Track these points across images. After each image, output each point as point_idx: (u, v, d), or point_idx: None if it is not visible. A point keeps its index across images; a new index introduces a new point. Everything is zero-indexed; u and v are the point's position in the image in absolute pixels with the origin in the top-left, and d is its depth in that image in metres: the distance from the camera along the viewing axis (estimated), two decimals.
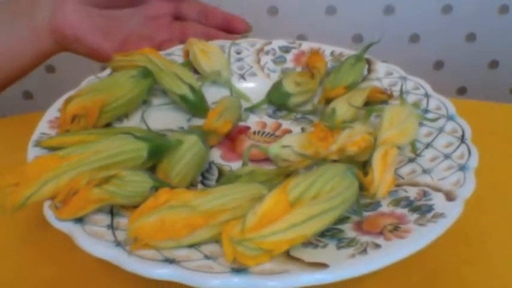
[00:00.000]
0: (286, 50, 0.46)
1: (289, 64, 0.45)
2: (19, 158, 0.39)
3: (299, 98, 0.41)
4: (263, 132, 0.39)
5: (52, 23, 0.45)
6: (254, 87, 0.43)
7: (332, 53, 0.45)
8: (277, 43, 0.47)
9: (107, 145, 0.30)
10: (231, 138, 0.38)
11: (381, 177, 0.30)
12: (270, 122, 0.41)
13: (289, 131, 0.39)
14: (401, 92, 0.36)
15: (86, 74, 0.41)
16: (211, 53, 0.42)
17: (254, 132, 0.39)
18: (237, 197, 0.28)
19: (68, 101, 0.34)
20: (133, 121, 0.38)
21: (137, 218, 0.26)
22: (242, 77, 0.44)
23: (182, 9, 0.51)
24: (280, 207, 0.26)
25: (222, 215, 0.27)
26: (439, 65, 0.86)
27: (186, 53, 0.43)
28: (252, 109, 0.41)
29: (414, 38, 0.84)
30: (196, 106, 0.40)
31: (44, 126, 0.34)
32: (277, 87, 0.41)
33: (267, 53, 0.46)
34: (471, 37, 0.84)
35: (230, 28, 0.50)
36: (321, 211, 0.26)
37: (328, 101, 0.40)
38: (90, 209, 0.27)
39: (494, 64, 0.87)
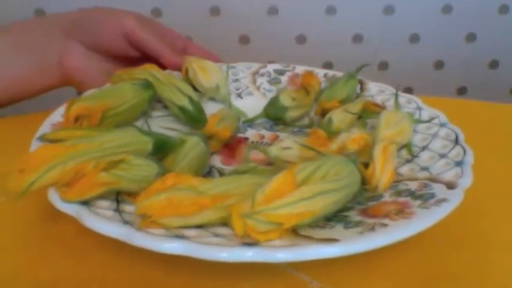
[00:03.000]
0: (280, 72, 0.48)
1: (284, 85, 0.47)
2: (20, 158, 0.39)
3: (295, 112, 0.42)
4: (261, 143, 0.40)
5: (60, 65, 0.47)
6: (251, 105, 0.44)
7: (325, 75, 0.47)
8: (271, 66, 0.48)
9: (113, 137, 0.31)
10: (230, 147, 0.39)
11: (382, 169, 0.30)
12: (268, 134, 0.41)
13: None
14: (396, 97, 0.38)
15: None
16: (210, 70, 0.43)
17: (252, 143, 0.40)
18: (244, 183, 0.28)
19: (71, 103, 0.35)
20: None
21: (145, 198, 0.26)
22: (239, 95, 0.45)
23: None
24: (287, 185, 0.26)
25: (228, 199, 0.27)
26: (439, 65, 0.87)
27: (185, 71, 0.44)
28: (250, 122, 0.42)
29: (414, 38, 0.84)
30: (195, 118, 0.40)
31: (46, 129, 0.35)
32: (274, 101, 0.42)
33: (262, 75, 0.48)
34: (471, 37, 0.84)
35: None
36: (327, 190, 0.26)
37: (323, 113, 0.41)
38: (97, 192, 0.27)
39: (494, 64, 0.88)
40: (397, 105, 0.37)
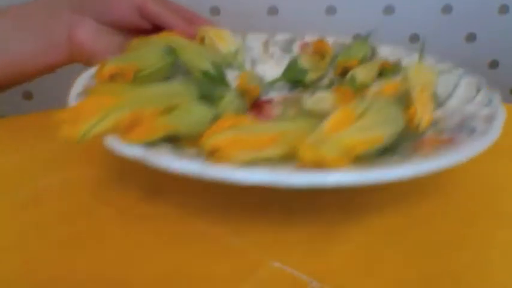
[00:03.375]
0: (291, 41, 0.49)
1: (296, 53, 0.47)
2: (20, 158, 0.38)
3: (314, 74, 0.43)
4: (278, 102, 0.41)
5: (69, 41, 0.46)
6: (266, 73, 0.45)
7: (335, 41, 0.48)
8: (281, 36, 0.49)
9: (160, 88, 0.30)
10: (258, 107, 0.39)
11: (423, 107, 0.32)
12: (289, 95, 0.42)
13: (289, 101, 0.41)
14: (421, 49, 0.39)
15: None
16: (226, 37, 0.44)
17: (277, 102, 0.41)
18: (299, 125, 0.29)
19: (103, 64, 0.35)
20: None
21: (211, 135, 0.26)
22: (253, 63, 0.46)
23: None
24: (348, 118, 0.27)
25: (290, 135, 0.27)
26: None
27: (201, 40, 0.44)
28: (270, 84, 0.43)
29: (414, 38, 0.84)
30: (218, 81, 0.41)
31: (79, 89, 0.34)
32: (292, 65, 0.43)
33: (274, 44, 0.48)
34: (471, 37, 0.85)
35: None
36: (386, 121, 0.27)
37: (343, 73, 0.42)
38: (157, 135, 0.27)
39: (494, 64, 0.88)
40: (421, 56, 0.38)
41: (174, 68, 0.41)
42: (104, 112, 0.28)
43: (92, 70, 0.36)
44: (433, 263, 0.28)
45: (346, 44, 0.46)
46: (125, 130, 0.27)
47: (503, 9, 0.83)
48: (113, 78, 0.34)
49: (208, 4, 0.74)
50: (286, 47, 0.48)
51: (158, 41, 0.41)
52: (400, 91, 0.34)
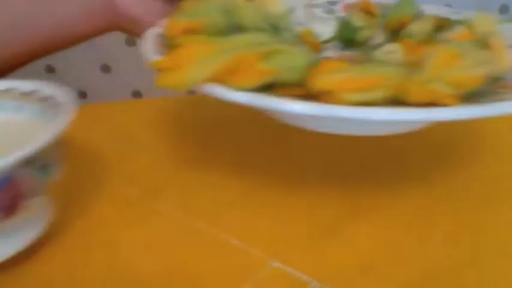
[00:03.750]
0: (332, 3, 0.49)
1: (341, 14, 0.47)
2: None
3: (367, 32, 0.43)
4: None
5: (111, 5, 0.45)
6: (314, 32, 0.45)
7: (377, 2, 0.48)
8: None
9: (248, 36, 0.30)
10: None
11: (503, 49, 0.32)
12: (347, 53, 0.42)
13: (354, 58, 0.41)
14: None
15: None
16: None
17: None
18: (399, 69, 0.28)
19: (173, 20, 0.34)
20: None
21: (321, 75, 0.26)
22: (300, 24, 0.46)
23: None
24: (451, 57, 0.27)
25: (394, 78, 0.27)
26: None
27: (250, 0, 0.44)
28: (325, 43, 0.43)
29: None
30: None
31: (151, 46, 0.33)
32: (345, 24, 0.43)
33: (316, 6, 0.48)
34: None
35: None
36: (483, 60, 0.28)
37: (395, 31, 0.42)
38: (260, 81, 0.27)
39: None
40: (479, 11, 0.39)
41: (231, 27, 0.40)
42: (204, 58, 0.27)
43: (155, 30, 0.35)
44: (434, 264, 0.29)
45: (389, 4, 0.46)
46: (229, 75, 0.27)
47: (503, 9, 0.85)
48: (185, 33, 0.34)
49: None
50: (329, 9, 0.48)
51: (212, 0, 0.40)
52: (474, 39, 0.35)
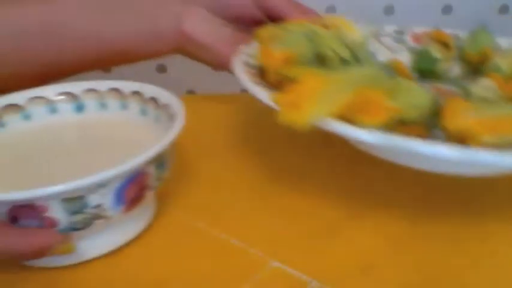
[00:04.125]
0: (400, 33, 0.48)
1: (411, 44, 0.46)
2: None
3: (445, 64, 0.42)
4: None
5: (180, 30, 0.44)
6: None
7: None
8: (388, 28, 0.48)
9: (359, 72, 0.29)
10: None
11: None
12: (427, 85, 0.41)
13: (451, 92, 0.40)
14: None
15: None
16: (353, 26, 0.42)
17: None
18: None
19: (266, 49, 0.33)
20: None
21: (457, 116, 0.25)
22: (373, 53, 0.45)
23: None
24: None
25: None
26: None
27: (325, 27, 0.43)
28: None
29: None
30: None
31: (242, 73, 0.32)
32: (424, 54, 0.42)
33: (385, 36, 0.47)
34: None
35: None
36: None
37: (478, 62, 0.41)
38: (389, 118, 0.26)
39: None
40: None
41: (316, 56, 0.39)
42: (326, 94, 0.26)
43: (241, 57, 0.34)
44: (434, 264, 0.28)
45: (461, 35, 0.45)
46: (354, 112, 0.25)
47: (503, 9, 0.85)
48: (286, 64, 0.32)
49: None
50: (398, 38, 0.47)
51: (294, 28, 0.39)
52: None
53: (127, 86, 0.35)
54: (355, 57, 0.39)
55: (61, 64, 0.43)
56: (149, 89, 0.35)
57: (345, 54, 0.39)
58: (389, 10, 0.82)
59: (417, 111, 0.27)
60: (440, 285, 0.27)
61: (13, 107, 0.34)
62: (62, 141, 0.34)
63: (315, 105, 0.25)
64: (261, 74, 0.34)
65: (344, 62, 0.39)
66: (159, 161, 0.28)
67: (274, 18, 0.45)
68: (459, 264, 0.28)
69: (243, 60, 0.35)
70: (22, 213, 0.25)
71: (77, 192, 0.25)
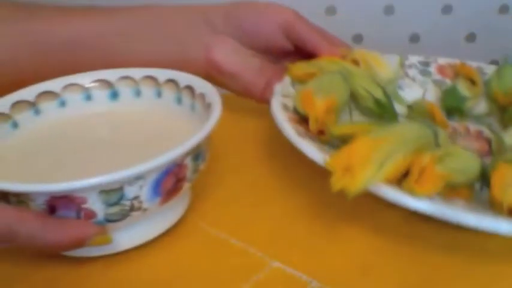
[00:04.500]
0: (425, 64, 0.48)
1: (436, 76, 0.47)
2: None
3: (472, 102, 0.43)
4: (459, 133, 0.40)
5: (209, 59, 0.44)
6: (413, 97, 0.44)
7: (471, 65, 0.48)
8: (413, 59, 0.48)
9: (403, 129, 0.29)
10: None
11: None
12: (455, 125, 0.42)
13: (480, 132, 0.41)
14: None
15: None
16: (383, 62, 0.43)
17: (450, 133, 0.40)
18: None
19: (308, 97, 0.33)
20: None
21: (502, 189, 0.25)
22: (400, 87, 0.45)
23: None
24: None
25: None
26: None
27: (355, 63, 0.43)
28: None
29: (414, 38, 0.84)
30: (388, 111, 0.40)
31: (287, 124, 0.33)
32: (451, 92, 0.43)
33: (410, 67, 0.47)
34: (471, 37, 0.85)
35: None
36: None
37: (502, 102, 0.42)
38: (440, 185, 0.26)
39: (494, 64, 0.89)
40: None
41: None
42: (377, 159, 0.26)
43: (278, 100, 0.35)
44: (434, 264, 0.29)
45: (486, 69, 0.46)
46: (407, 180, 0.26)
47: (503, 9, 0.84)
48: (327, 112, 0.33)
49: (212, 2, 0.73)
50: (424, 71, 0.47)
51: (327, 65, 0.39)
52: None
53: (162, 73, 0.35)
54: (387, 96, 0.40)
55: None
56: (185, 77, 0.34)
57: (378, 93, 0.39)
58: (389, 10, 0.82)
59: (465, 175, 0.27)
60: (440, 286, 0.27)
61: (49, 93, 0.34)
62: (96, 130, 0.34)
63: (368, 171, 0.26)
64: (301, 118, 0.34)
65: (376, 101, 0.39)
66: (196, 152, 0.28)
67: (302, 48, 0.45)
68: (459, 264, 0.28)
69: (280, 102, 0.36)
70: (60, 204, 0.25)
71: (116, 184, 0.25)
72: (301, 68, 0.40)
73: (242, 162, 0.38)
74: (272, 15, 0.44)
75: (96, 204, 0.25)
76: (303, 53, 0.45)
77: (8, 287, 0.28)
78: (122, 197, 0.26)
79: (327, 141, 0.32)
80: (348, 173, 0.26)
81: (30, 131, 0.33)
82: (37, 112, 0.34)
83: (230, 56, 0.44)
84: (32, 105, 0.34)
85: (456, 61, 0.48)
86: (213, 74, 0.45)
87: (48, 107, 0.34)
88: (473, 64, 0.48)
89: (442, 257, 0.29)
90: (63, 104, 0.35)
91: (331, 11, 0.80)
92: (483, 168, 0.28)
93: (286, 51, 0.46)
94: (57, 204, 0.25)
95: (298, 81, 0.40)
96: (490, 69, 0.47)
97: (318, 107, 0.32)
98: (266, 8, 0.44)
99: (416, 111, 0.39)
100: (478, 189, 0.30)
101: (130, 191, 0.26)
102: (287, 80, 0.40)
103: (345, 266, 0.28)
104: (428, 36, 0.85)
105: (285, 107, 0.36)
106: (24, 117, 0.33)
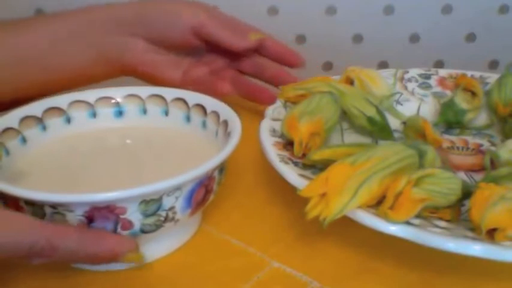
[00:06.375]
0: (426, 76, 0.47)
1: (436, 89, 0.46)
2: None
3: (472, 114, 0.42)
4: (457, 147, 0.39)
5: (122, 63, 0.46)
6: (412, 112, 0.44)
7: (472, 76, 0.47)
8: (414, 71, 0.48)
9: (384, 152, 0.29)
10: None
11: None
12: (454, 138, 0.41)
13: (479, 145, 0.40)
14: None
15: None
16: (378, 79, 0.42)
17: (448, 148, 0.39)
18: None
19: (292, 123, 0.33)
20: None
21: (481, 210, 0.25)
22: (398, 102, 0.45)
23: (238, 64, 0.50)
24: None
25: None
26: (439, 65, 0.86)
27: (348, 81, 0.43)
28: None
29: (414, 38, 0.84)
30: (383, 128, 0.39)
31: (271, 149, 0.33)
32: (450, 105, 0.42)
33: (409, 80, 0.47)
34: (471, 37, 0.84)
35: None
36: None
37: (502, 113, 0.41)
38: (416, 210, 0.26)
39: (494, 64, 0.87)
40: None
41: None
42: (351, 185, 0.26)
43: (266, 124, 0.36)
44: (434, 263, 0.28)
45: (487, 78, 0.45)
46: (382, 205, 0.26)
47: (503, 9, 0.83)
48: (311, 138, 0.33)
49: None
50: (424, 83, 0.47)
51: (319, 86, 0.39)
52: None
53: (169, 92, 0.36)
54: (380, 113, 0.40)
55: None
56: (193, 96, 0.35)
57: (370, 112, 0.39)
58: (389, 10, 0.81)
59: (445, 197, 0.27)
60: (440, 286, 0.27)
61: (55, 110, 0.35)
62: (105, 144, 0.35)
63: (342, 198, 0.26)
64: (287, 142, 0.34)
65: (369, 119, 0.39)
66: (222, 165, 0.29)
67: (213, 45, 0.46)
68: (459, 264, 0.28)
69: (269, 126, 0.36)
70: (99, 215, 0.25)
71: (156, 194, 0.26)
72: (292, 89, 0.40)
73: (243, 165, 0.38)
74: (180, 17, 0.45)
75: (134, 215, 0.26)
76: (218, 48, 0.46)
77: None
78: (159, 208, 0.26)
79: (310, 166, 0.32)
80: (323, 200, 0.26)
81: (39, 146, 0.33)
82: (43, 128, 0.34)
83: (141, 57, 0.46)
84: (39, 120, 0.34)
85: (457, 72, 0.47)
86: (130, 75, 0.47)
87: (55, 123, 0.35)
88: (476, 74, 0.47)
89: (442, 257, 0.28)
90: (68, 120, 0.35)
91: (331, 11, 0.80)
92: (467, 188, 0.28)
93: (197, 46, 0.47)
94: (96, 215, 0.25)
95: (291, 102, 0.40)
96: (492, 79, 0.45)
97: (302, 132, 0.32)
98: (174, 9, 0.45)
99: (410, 127, 0.39)
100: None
101: (168, 202, 0.26)
102: (278, 103, 0.40)
103: (344, 267, 0.28)
104: (428, 36, 0.84)
105: (274, 131, 0.36)
106: (32, 132, 0.33)
